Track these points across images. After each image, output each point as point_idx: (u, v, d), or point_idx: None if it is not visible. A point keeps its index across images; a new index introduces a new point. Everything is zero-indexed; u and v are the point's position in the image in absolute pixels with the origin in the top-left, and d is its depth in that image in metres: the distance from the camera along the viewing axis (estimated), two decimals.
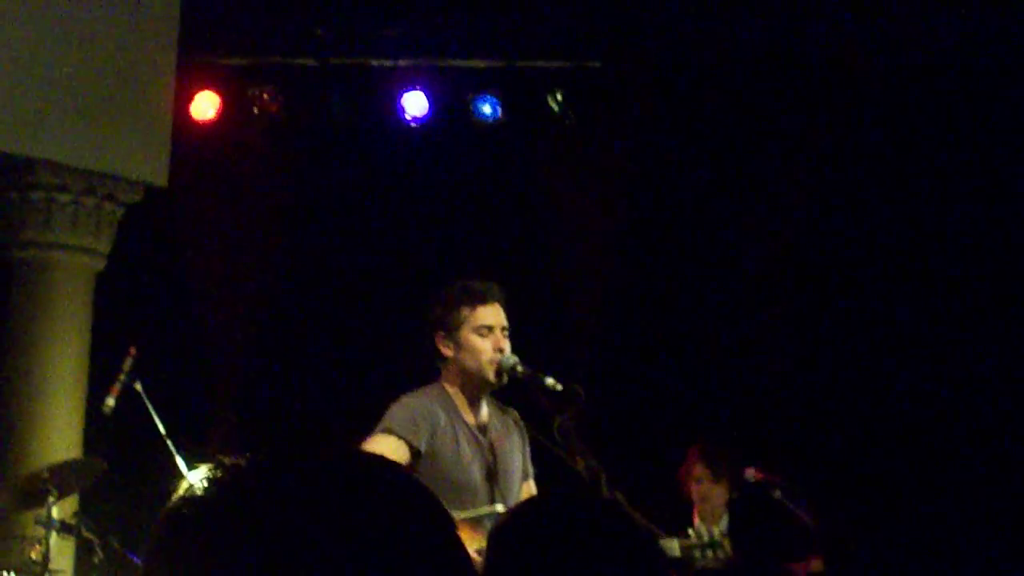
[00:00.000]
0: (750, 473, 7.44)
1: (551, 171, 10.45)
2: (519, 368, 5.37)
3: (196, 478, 1.37)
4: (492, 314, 5.40)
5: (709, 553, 6.40)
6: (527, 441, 5.59)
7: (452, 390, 5.44)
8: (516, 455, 5.51)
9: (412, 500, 1.35)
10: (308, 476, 1.33)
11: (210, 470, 1.36)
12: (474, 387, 5.43)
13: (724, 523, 7.81)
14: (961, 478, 9.43)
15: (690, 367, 10.16)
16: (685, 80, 10.12)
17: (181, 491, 1.36)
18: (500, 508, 5.25)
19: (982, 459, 9.47)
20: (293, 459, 1.36)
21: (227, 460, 1.36)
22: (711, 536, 6.49)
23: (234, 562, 1.27)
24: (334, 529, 1.28)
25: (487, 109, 9.86)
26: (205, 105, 9.94)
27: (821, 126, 9.98)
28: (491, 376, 5.37)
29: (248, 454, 1.36)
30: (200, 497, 1.33)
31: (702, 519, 7.84)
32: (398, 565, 1.29)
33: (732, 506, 7.84)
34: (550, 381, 5.28)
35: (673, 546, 6.17)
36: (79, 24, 8.73)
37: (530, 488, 5.57)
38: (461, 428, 5.38)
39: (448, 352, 5.42)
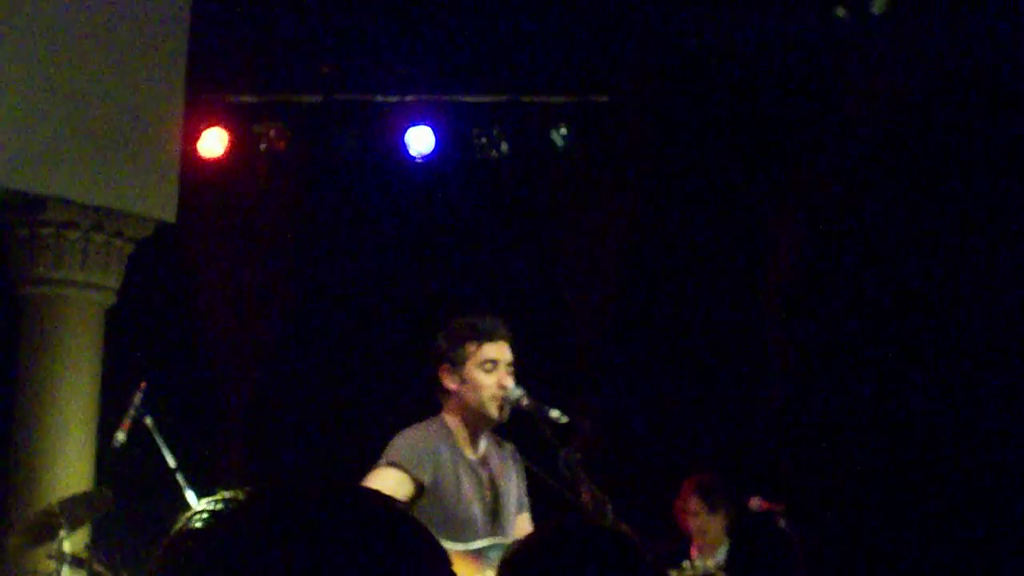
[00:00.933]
0: (755, 503, 7.49)
1: (556, 206, 10.49)
2: (524, 401, 5.37)
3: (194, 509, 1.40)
4: (498, 350, 5.41)
5: None
6: (523, 474, 5.60)
7: (453, 424, 5.45)
8: (513, 488, 5.52)
9: (407, 536, 1.35)
10: (305, 510, 1.34)
11: (208, 503, 1.37)
12: (476, 422, 5.45)
13: (722, 553, 7.86)
14: (962, 500, 9.45)
15: (692, 399, 10.19)
16: (692, 115, 10.16)
17: (180, 523, 1.37)
18: (500, 540, 5.25)
19: (982, 479, 9.48)
20: (290, 493, 1.36)
21: (226, 493, 1.38)
22: (705, 569, 6.52)
23: None
24: (329, 563, 1.30)
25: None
26: (213, 142, 9.99)
27: (828, 161, 10.02)
28: (493, 412, 5.38)
29: (248, 487, 1.38)
30: (198, 529, 1.34)
31: (700, 551, 7.88)
32: None
33: (734, 535, 7.88)
34: (555, 413, 5.30)
35: None
36: (87, 62, 8.78)
37: (526, 520, 5.57)
38: (461, 463, 5.39)
39: (452, 386, 5.43)
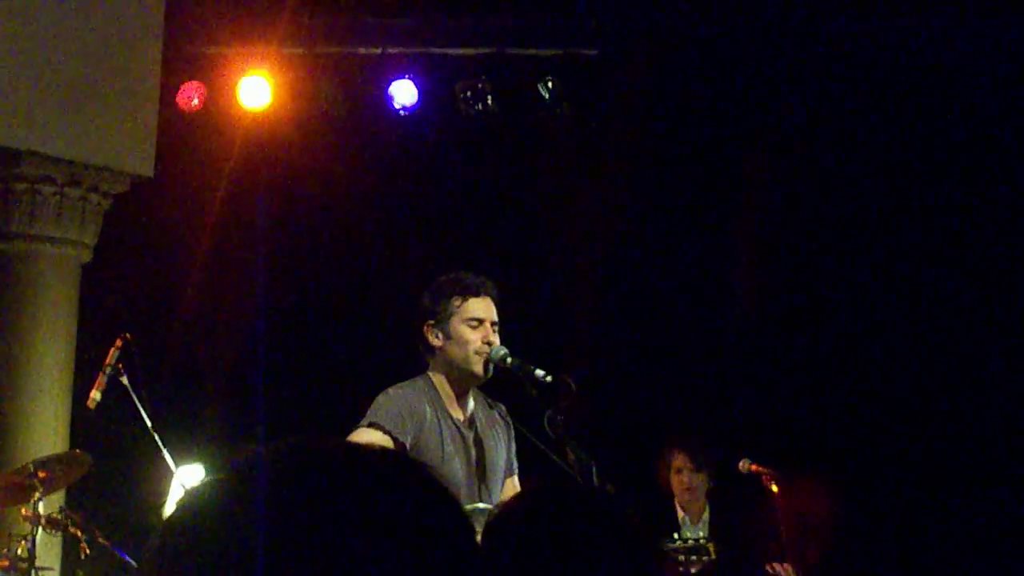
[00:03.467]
0: (743, 465, 7.42)
1: (542, 161, 10.39)
2: (509, 359, 5.37)
3: (191, 482, 1.29)
4: (483, 307, 5.40)
5: (694, 557, 6.40)
6: (513, 436, 5.57)
7: (439, 382, 5.42)
8: (501, 450, 5.50)
9: (428, 494, 1.30)
10: (321, 470, 1.28)
11: (212, 470, 1.30)
12: (461, 379, 5.41)
13: (707, 516, 7.80)
14: (954, 470, 9.41)
15: (679, 361, 10.10)
16: (681, 69, 10.05)
17: (181, 498, 1.30)
18: (483, 505, 5.21)
19: (971, 437, 9.46)
20: (302, 452, 1.30)
21: (231, 456, 1.30)
22: (696, 540, 6.49)
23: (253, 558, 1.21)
24: (352, 524, 1.24)
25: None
26: (191, 95, 9.86)
27: (823, 116, 9.92)
28: (478, 368, 5.35)
29: (246, 450, 1.30)
30: (206, 500, 1.27)
31: (685, 510, 7.82)
32: (417, 560, 1.24)
33: (714, 497, 7.83)
34: (540, 373, 5.28)
35: None
36: (64, 15, 8.65)
37: (514, 483, 5.55)
38: (446, 422, 5.35)
39: (436, 343, 5.40)
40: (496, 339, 5.36)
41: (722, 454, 7.81)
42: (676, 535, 6.71)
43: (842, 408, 9.70)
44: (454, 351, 5.36)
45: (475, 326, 5.34)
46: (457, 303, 5.37)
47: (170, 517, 1.28)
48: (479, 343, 5.33)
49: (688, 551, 6.40)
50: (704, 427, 8.92)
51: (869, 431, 9.64)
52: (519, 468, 5.61)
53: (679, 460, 7.91)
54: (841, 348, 9.85)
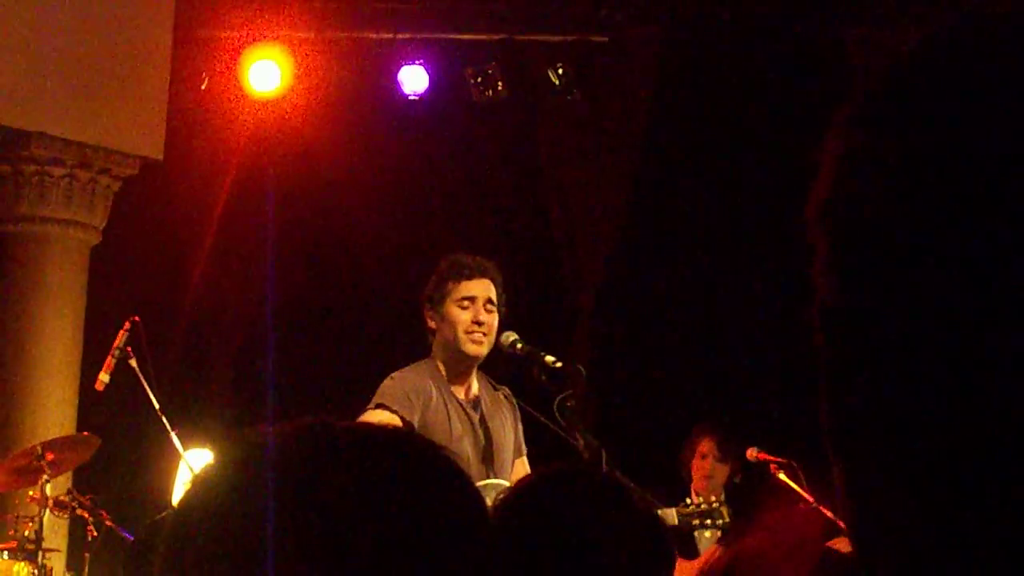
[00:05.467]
0: (752, 453, 7.39)
1: (553, 147, 10.36)
2: (519, 345, 5.43)
3: (199, 465, 1.27)
4: (476, 287, 5.46)
5: (708, 521, 6.40)
6: (519, 418, 5.62)
7: (441, 364, 5.48)
8: (508, 431, 5.54)
9: (439, 469, 1.29)
10: (331, 450, 1.26)
11: (222, 452, 1.29)
12: (457, 360, 5.46)
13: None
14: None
15: (692, 347, 10.09)
16: (691, 55, 10.02)
17: (191, 483, 1.28)
18: (493, 482, 5.21)
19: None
20: (311, 433, 1.28)
21: (240, 439, 1.28)
22: (708, 504, 6.48)
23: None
24: (374, 506, 1.23)
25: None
26: (202, 77, 9.85)
27: (835, 103, 9.87)
28: (469, 347, 5.40)
29: (254, 433, 1.28)
30: (217, 484, 1.25)
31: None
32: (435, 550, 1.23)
33: (730, 491, 7.79)
34: (550, 359, 5.32)
35: (671, 514, 6.16)
36: None
37: (524, 465, 5.58)
38: (451, 403, 5.41)
39: (433, 325, 5.50)
40: (489, 318, 5.41)
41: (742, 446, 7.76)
42: (688, 499, 6.69)
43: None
44: (447, 331, 5.42)
45: (466, 306, 5.40)
46: (451, 285, 5.44)
47: (180, 502, 1.27)
48: (468, 322, 5.38)
49: (702, 515, 6.40)
50: (736, 419, 8.90)
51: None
52: (527, 450, 5.64)
53: (706, 446, 7.88)
54: None
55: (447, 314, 5.42)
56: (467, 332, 5.38)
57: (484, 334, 5.39)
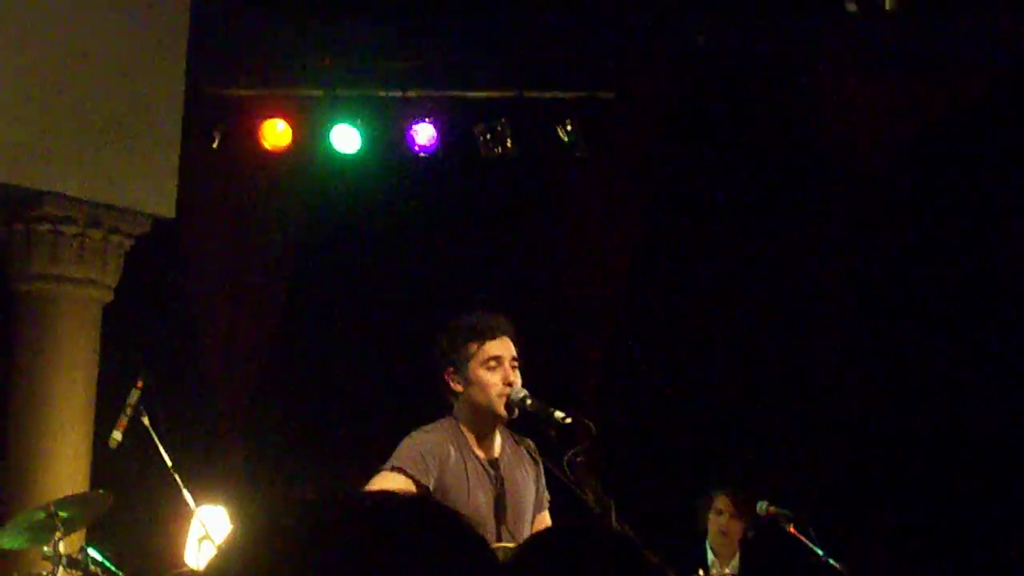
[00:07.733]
0: (761, 507, 7.39)
1: (561, 202, 10.40)
2: (528, 402, 5.34)
3: (213, 526, 1.30)
4: (500, 347, 5.37)
5: None
6: (542, 473, 5.56)
7: (464, 424, 5.41)
8: (530, 486, 5.49)
9: (454, 535, 1.32)
10: (348, 522, 1.30)
11: (239, 525, 1.31)
12: (485, 421, 5.41)
13: (736, 562, 7.76)
14: (981, 515, 9.37)
15: (700, 401, 10.09)
16: (698, 112, 10.07)
17: (211, 558, 1.30)
18: (507, 544, 5.20)
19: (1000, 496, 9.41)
20: (328, 506, 1.32)
21: (257, 511, 1.32)
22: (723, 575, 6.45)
23: None
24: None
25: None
26: (212, 136, 9.92)
27: (838, 158, 9.92)
28: (501, 410, 5.33)
29: (270, 504, 1.32)
30: (238, 559, 1.28)
31: (716, 554, 7.78)
32: None
33: (746, 546, 7.78)
34: (559, 415, 5.26)
35: None
36: (86, 55, 8.70)
37: (544, 519, 5.54)
38: (472, 463, 5.36)
39: (459, 388, 5.40)
40: (517, 377, 5.34)
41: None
42: (702, 571, 6.68)
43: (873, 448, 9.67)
44: (477, 395, 5.35)
45: (494, 367, 5.32)
46: (474, 347, 5.35)
47: (207, 570, 1.30)
48: (500, 385, 5.31)
49: None
50: (750, 475, 8.89)
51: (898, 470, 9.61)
52: (548, 505, 5.61)
53: (722, 502, 7.88)
54: (874, 388, 9.81)
55: (475, 377, 5.34)
56: (500, 395, 5.31)
57: (511, 399, 5.31)
